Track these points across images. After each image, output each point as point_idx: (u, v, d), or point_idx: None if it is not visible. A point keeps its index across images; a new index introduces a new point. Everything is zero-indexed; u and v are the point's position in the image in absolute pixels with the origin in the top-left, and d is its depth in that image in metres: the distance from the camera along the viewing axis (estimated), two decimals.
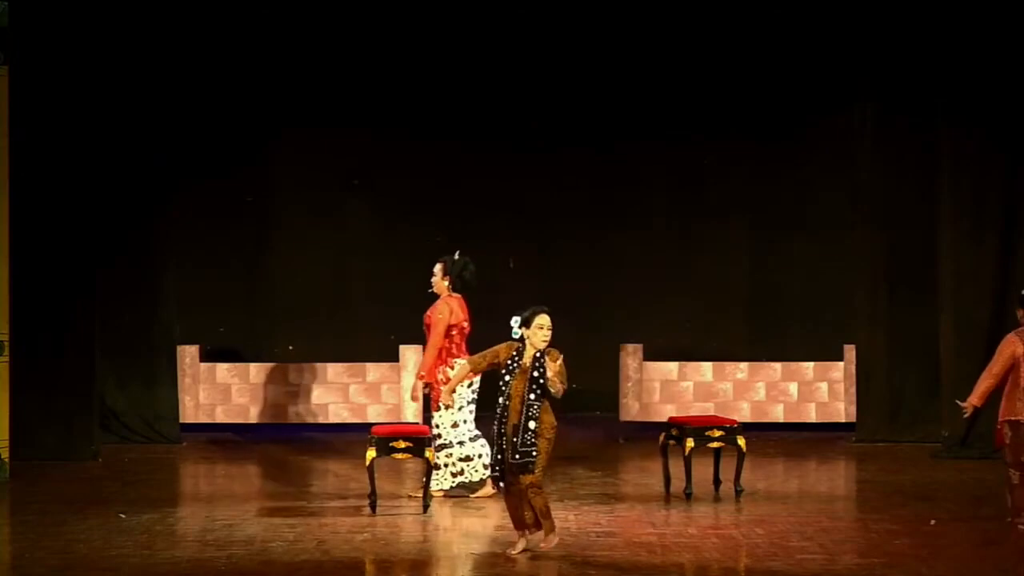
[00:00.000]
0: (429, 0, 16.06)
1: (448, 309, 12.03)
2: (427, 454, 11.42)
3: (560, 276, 16.55)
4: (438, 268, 12.19)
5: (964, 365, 14.29)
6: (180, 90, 15.10)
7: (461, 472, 11.98)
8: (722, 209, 16.63)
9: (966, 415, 11.12)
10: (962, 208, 14.50)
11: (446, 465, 11.94)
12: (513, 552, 9.92)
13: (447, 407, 11.88)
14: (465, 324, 12.13)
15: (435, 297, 12.20)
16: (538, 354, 9.87)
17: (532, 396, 9.81)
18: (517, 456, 9.77)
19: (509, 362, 9.87)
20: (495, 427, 9.91)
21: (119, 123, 14.58)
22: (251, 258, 16.49)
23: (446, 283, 12.15)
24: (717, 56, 16.19)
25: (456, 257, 12.20)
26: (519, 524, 10.02)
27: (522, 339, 9.89)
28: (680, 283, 16.67)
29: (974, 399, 10.99)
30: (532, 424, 9.78)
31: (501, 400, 9.87)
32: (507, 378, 9.85)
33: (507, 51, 16.25)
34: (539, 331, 9.86)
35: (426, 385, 12.04)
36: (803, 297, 16.37)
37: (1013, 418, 10.80)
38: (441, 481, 11.96)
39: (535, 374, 9.82)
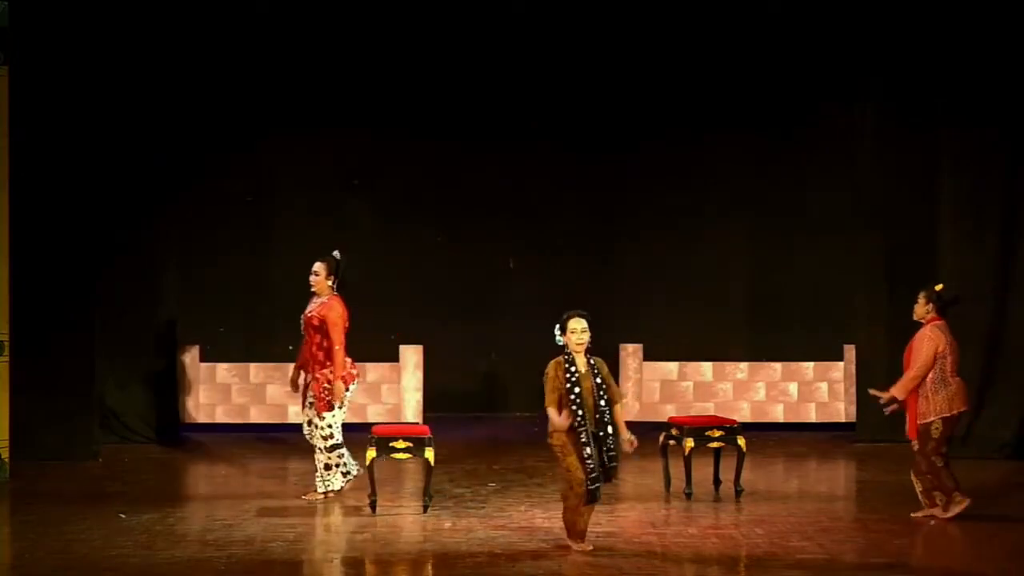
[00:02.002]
0: (429, 0, 16.06)
1: (342, 307, 11.94)
2: (427, 454, 11.43)
3: (560, 276, 16.54)
4: (321, 267, 11.99)
5: (964, 365, 14.28)
6: (180, 90, 15.11)
7: (348, 472, 12.03)
8: (722, 209, 16.61)
9: (886, 408, 11.24)
10: (962, 208, 14.51)
11: (337, 465, 11.91)
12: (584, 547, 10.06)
13: (340, 407, 11.87)
14: (347, 321, 12.02)
15: (310, 295, 12.05)
16: (591, 360, 9.94)
17: (603, 403, 9.88)
18: (605, 464, 9.89)
19: (567, 376, 9.86)
20: (582, 438, 9.83)
21: (119, 123, 14.58)
22: (251, 258, 16.47)
23: (330, 282, 12.01)
24: (717, 56, 16.17)
25: (337, 256, 12.06)
26: (576, 534, 10.10)
27: (563, 346, 9.94)
28: (680, 283, 16.65)
29: (897, 393, 11.15)
30: (610, 429, 9.87)
31: (580, 412, 9.82)
32: (576, 390, 9.85)
33: (507, 51, 16.23)
34: (572, 335, 9.92)
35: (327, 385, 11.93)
36: (803, 297, 16.35)
37: (949, 414, 11.00)
38: (332, 481, 11.94)
39: (597, 380, 9.90)
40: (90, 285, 13.97)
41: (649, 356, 15.56)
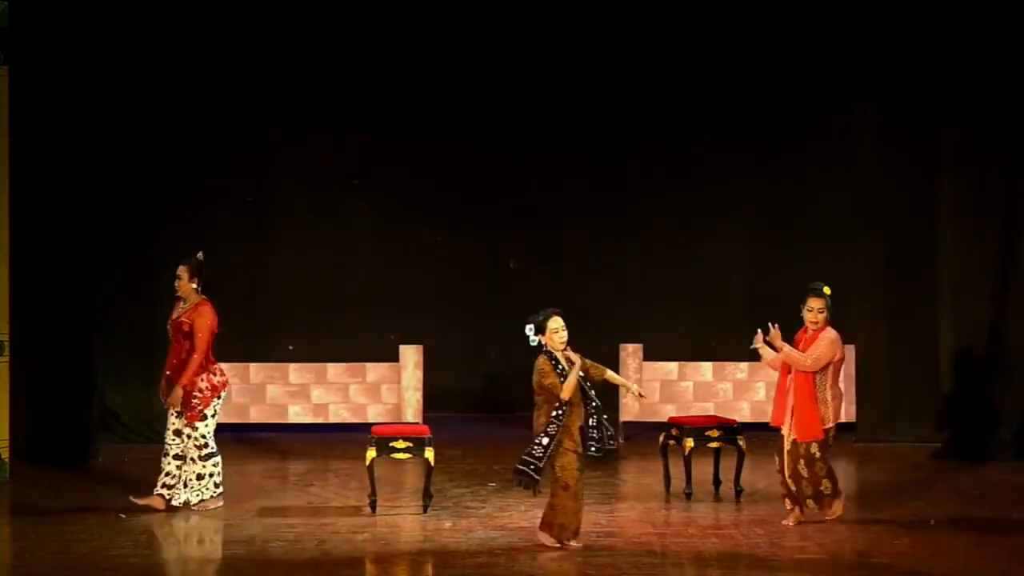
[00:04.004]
0: (429, 0, 16.07)
1: (212, 314, 11.59)
2: (427, 454, 11.42)
3: (560, 276, 16.55)
4: (183, 270, 11.58)
5: (964, 365, 14.31)
6: (180, 90, 15.12)
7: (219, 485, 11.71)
8: (722, 209, 16.62)
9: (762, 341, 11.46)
10: (962, 208, 14.51)
11: (211, 475, 11.62)
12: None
13: (213, 415, 11.59)
14: (216, 328, 11.64)
15: (176, 298, 11.65)
16: (570, 356, 9.99)
17: (592, 392, 10.01)
18: (592, 449, 10.01)
19: (558, 373, 9.97)
20: (570, 428, 9.95)
21: (119, 123, 14.59)
22: (251, 258, 16.47)
23: (194, 285, 11.62)
24: (717, 56, 16.18)
25: (200, 258, 11.67)
26: (571, 532, 10.19)
27: (540, 346, 9.96)
28: (680, 283, 16.66)
29: (783, 348, 11.59)
30: (605, 419, 10.02)
31: (563, 409, 9.89)
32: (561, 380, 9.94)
33: (508, 51, 16.25)
34: (554, 335, 9.97)
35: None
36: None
37: (837, 420, 11.16)
38: (203, 491, 11.59)
39: (582, 373, 9.96)
40: (90, 285, 13.97)
41: (649, 356, 15.55)
